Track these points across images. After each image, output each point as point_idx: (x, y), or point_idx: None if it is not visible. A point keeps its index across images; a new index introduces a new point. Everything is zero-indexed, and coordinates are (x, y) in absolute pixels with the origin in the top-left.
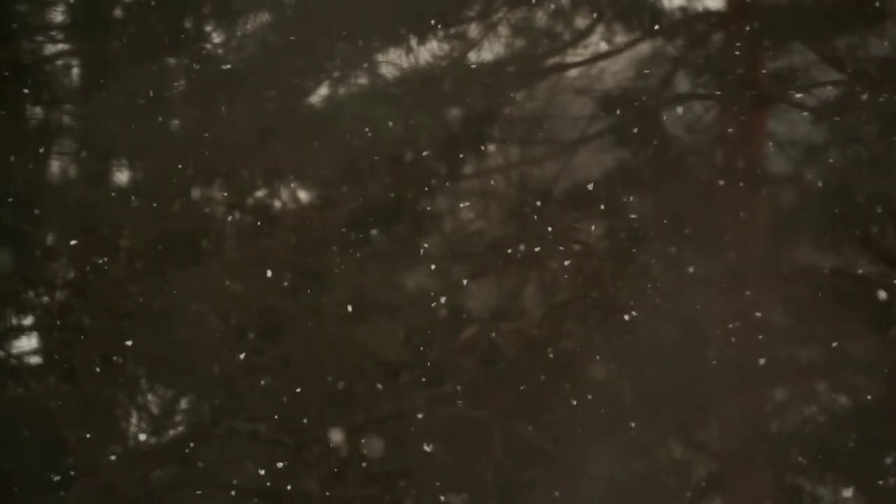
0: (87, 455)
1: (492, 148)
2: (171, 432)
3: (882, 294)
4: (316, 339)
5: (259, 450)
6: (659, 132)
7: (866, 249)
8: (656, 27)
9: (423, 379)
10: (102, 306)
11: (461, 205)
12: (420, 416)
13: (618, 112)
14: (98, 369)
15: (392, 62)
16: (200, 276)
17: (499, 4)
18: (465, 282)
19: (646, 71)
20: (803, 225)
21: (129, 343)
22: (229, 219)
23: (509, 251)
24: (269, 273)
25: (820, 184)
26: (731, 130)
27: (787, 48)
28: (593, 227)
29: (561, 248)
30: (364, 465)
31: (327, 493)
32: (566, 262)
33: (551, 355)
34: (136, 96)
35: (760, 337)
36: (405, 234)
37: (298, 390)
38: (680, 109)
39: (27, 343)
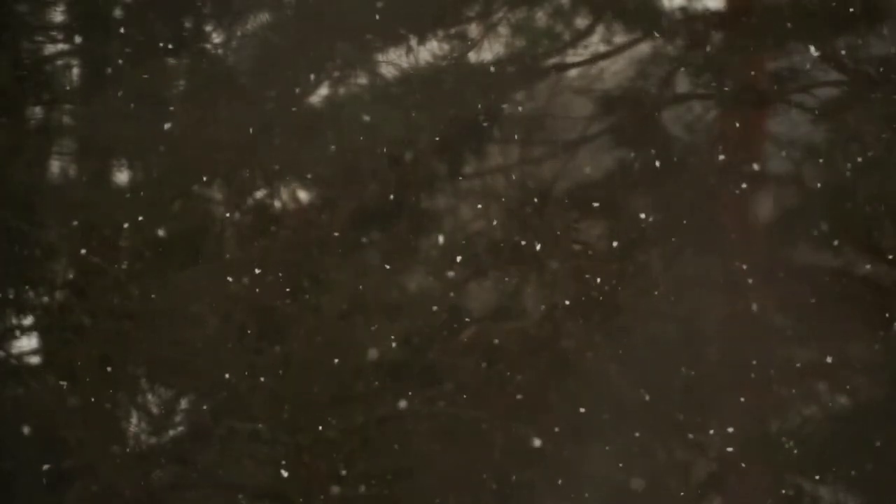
0: (87, 455)
1: (492, 148)
2: (171, 432)
3: (882, 294)
4: (316, 340)
5: (259, 450)
6: (659, 132)
7: (866, 249)
8: (656, 27)
9: (423, 379)
10: (102, 306)
11: (461, 204)
12: (420, 416)
13: (618, 112)
14: (98, 369)
15: (392, 62)
16: (200, 276)
17: (499, 4)
18: (465, 282)
19: (646, 71)
20: (803, 225)
21: (129, 343)
22: (229, 217)
23: (509, 251)
24: (269, 273)
25: (820, 184)
26: (731, 130)
27: (787, 48)
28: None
29: (561, 248)
30: (364, 465)
31: (327, 494)
32: (566, 263)
33: (551, 355)
34: (136, 96)
35: (760, 337)
36: (405, 234)
37: (298, 390)
38: (680, 109)
39: (27, 343)
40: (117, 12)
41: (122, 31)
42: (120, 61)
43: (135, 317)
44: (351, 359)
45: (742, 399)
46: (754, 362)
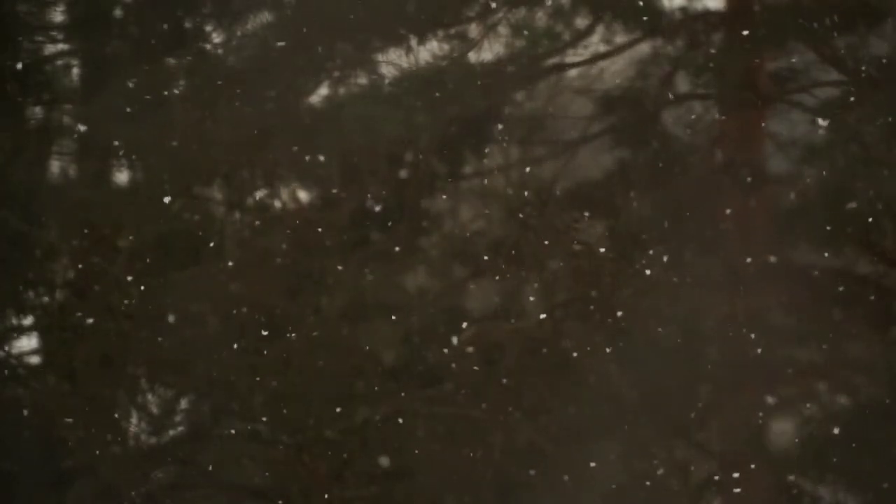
0: (87, 455)
1: (492, 148)
2: (171, 432)
3: (882, 294)
4: (316, 339)
5: (259, 450)
6: (659, 132)
7: (866, 249)
8: (656, 27)
9: (423, 379)
10: (102, 306)
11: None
12: (420, 416)
13: (618, 112)
14: (98, 369)
15: (392, 62)
16: (200, 276)
17: (499, 4)
18: (465, 282)
19: (646, 71)
20: (803, 225)
21: (129, 343)
22: (229, 218)
23: (509, 251)
24: (269, 273)
25: (820, 184)
26: (731, 130)
27: (787, 48)
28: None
29: (561, 248)
30: (364, 465)
31: (327, 494)
32: (566, 263)
33: (551, 355)
34: (136, 96)
35: (760, 337)
36: (405, 234)
37: (298, 390)
38: (680, 109)
39: (27, 343)
40: (117, 12)
41: (122, 31)
42: (120, 61)
43: (135, 317)
44: (351, 359)
45: (742, 399)
46: (754, 362)
